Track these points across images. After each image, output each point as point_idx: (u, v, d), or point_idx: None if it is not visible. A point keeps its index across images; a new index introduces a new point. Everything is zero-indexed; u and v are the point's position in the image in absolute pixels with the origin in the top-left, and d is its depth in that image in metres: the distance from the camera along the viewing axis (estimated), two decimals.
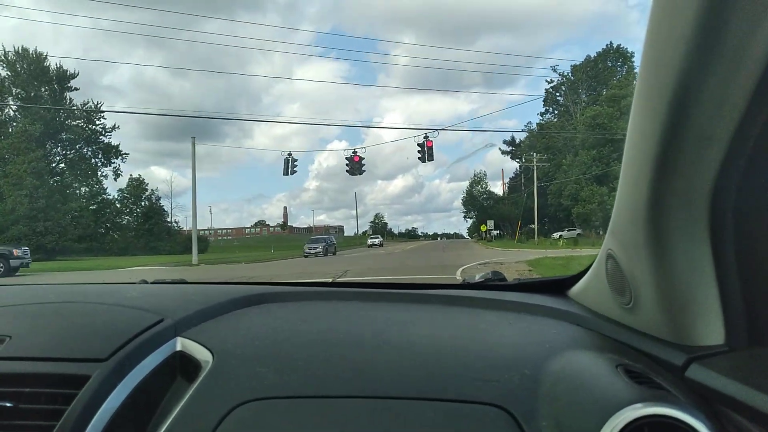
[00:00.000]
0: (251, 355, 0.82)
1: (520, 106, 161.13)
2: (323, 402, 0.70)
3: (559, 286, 1.15)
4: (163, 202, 65.10)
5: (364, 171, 23.63)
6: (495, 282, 1.29)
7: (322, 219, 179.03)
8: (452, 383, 0.72)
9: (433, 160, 21.68)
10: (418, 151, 21.76)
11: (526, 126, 71.76)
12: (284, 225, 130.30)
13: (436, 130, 21.68)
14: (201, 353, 0.83)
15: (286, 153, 25.51)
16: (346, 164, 23.31)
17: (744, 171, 0.58)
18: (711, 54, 0.50)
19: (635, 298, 0.76)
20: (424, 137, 21.63)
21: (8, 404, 0.73)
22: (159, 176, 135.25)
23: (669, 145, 0.58)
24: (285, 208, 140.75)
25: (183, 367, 0.84)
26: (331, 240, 39.38)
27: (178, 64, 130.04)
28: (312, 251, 34.29)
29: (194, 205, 30.41)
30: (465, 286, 1.31)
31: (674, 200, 0.62)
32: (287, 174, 25.61)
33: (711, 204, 0.61)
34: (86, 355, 0.79)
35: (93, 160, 53.20)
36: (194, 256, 29.09)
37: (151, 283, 1.43)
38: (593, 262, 0.98)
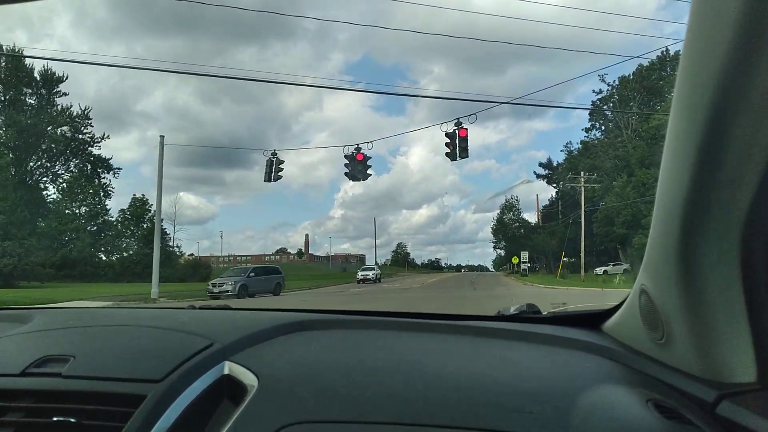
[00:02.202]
0: (294, 379, 0.86)
1: (550, 134, 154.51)
2: (362, 427, 0.73)
3: (593, 320, 1.14)
4: (167, 225, 60.23)
5: (371, 175, 17.03)
6: (529, 315, 1.29)
7: (346, 248, 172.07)
8: (486, 413, 0.73)
9: (467, 156, 14.99)
10: (447, 144, 15.04)
11: (565, 147, 64.55)
12: (301, 253, 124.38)
13: (479, 103, 15.00)
14: (247, 377, 0.87)
15: (270, 153, 19.05)
16: (346, 165, 16.73)
17: None
18: (739, 100, 0.52)
19: (668, 334, 0.77)
20: (456, 125, 14.90)
21: (72, 420, 0.80)
22: (187, 202, 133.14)
23: (699, 187, 0.60)
24: (306, 235, 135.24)
25: (230, 389, 0.87)
26: (270, 271, 25.44)
27: (211, 92, 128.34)
28: (216, 290, 22.03)
29: (158, 221, 24.18)
30: (500, 318, 1.30)
31: (705, 239, 0.63)
32: (270, 180, 19.20)
33: (742, 243, 0.61)
34: (142, 376, 0.85)
35: (98, 178, 48.31)
36: (154, 287, 22.60)
37: (199, 308, 1.49)
38: (628, 296, 0.97)
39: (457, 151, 14.84)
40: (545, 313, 1.31)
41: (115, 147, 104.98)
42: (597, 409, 0.71)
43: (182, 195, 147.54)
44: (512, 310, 1.32)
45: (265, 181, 19.16)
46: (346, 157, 16.66)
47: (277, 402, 0.78)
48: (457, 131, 14.86)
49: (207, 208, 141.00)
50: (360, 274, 43.07)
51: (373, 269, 44.00)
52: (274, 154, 18.93)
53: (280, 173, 19.07)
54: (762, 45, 0.48)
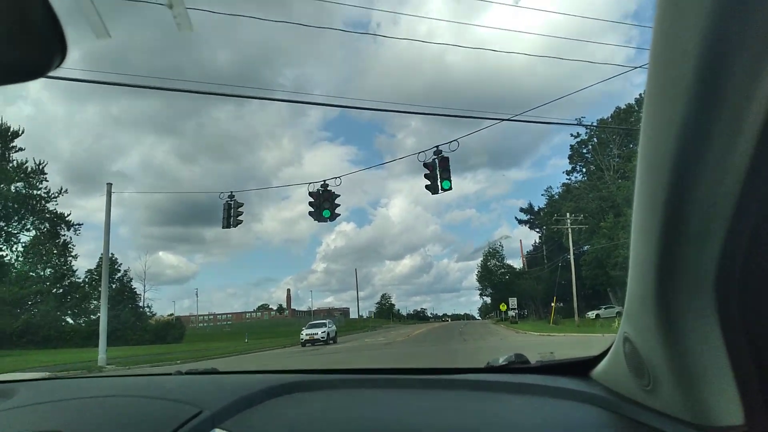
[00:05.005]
0: None
1: (528, 183, 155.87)
2: None
3: (581, 367, 1.14)
4: (137, 284, 56.69)
5: (339, 215, 14.88)
6: (518, 365, 1.28)
7: (330, 301, 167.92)
8: None
9: (450, 188, 12.95)
10: (426, 176, 13.05)
11: (546, 191, 63.58)
12: (282, 308, 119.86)
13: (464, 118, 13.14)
14: None
15: (227, 196, 16.84)
16: (310, 204, 14.60)
17: (743, 263, 0.60)
18: (697, 162, 0.54)
19: (654, 380, 0.78)
20: (436, 154, 12.98)
21: None
22: (167, 262, 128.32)
23: (668, 240, 0.62)
24: (288, 290, 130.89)
25: None
26: None
27: (189, 151, 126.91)
28: None
29: (105, 280, 21.44)
30: (489, 369, 1.29)
31: (680, 289, 0.65)
32: (228, 226, 16.88)
33: (716, 291, 0.63)
34: None
35: (62, 237, 45.33)
36: (101, 353, 19.69)
37: (185, 373, 1.48)
38: (613, 342, 0.98)
39: (439, 182, 12.86)
40: (534, 362, 1.28)
41: (91, 208, 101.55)
42: None
43: (162, 254, 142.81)
44: (501, 361, 1.29)
45: (223, 227, 16.86)
46: (310, 194, 14.55)
47: None
48: (437, 161, 12.94)
49: (187, 267, 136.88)
50: (305, 333, 30.14)
51: (323, 325, 31.50)
52: (231, 196, 16.74)
53: (239, 218, 16.82)
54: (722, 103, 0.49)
